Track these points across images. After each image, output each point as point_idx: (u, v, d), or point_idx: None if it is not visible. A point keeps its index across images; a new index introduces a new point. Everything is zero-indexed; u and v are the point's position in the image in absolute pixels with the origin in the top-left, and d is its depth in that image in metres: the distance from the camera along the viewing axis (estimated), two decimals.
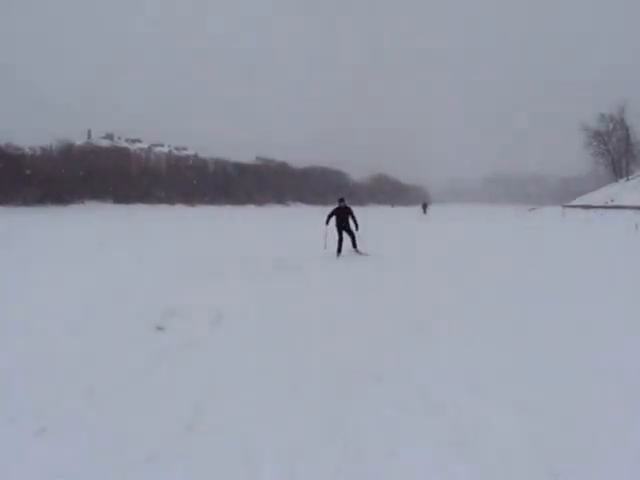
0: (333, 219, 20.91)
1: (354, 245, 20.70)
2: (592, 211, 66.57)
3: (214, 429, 5.43)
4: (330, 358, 7.70)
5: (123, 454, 4.93)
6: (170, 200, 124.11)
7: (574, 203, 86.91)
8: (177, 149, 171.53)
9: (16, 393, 6.44)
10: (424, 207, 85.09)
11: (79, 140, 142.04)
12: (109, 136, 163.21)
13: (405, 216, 75.20)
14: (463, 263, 18.61)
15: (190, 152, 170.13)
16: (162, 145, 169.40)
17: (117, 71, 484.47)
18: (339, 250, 20.20)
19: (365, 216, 35.18)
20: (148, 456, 4.89)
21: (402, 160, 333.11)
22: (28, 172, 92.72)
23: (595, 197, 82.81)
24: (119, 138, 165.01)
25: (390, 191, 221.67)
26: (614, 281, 14.71)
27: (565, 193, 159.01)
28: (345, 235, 20.77)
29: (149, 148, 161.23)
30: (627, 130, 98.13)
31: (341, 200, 21.18)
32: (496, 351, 7.86)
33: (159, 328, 9.46)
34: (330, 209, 21.27)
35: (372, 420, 5.61)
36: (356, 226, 20.53)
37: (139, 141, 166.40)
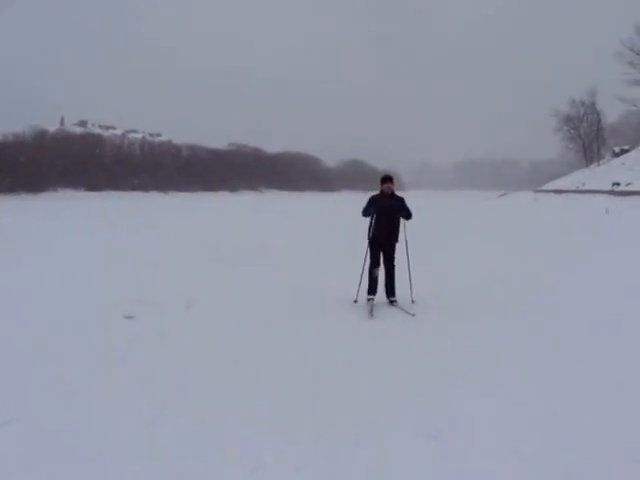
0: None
1: (390, 286, 10.81)
2: (564, 196, 68.02)
3: (181, 418, 5.47)
4: (296, 349, 7.81)
5: (92, 444, 4.93)
6: (144, 187, 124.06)
7: (545, 188, 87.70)
8: (151, 135, 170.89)
9: None
10: None
11: (52, 127, 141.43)
12: (82, 123, 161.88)
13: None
14: None
15: (164, 138, 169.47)
16: (136, 131, 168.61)
17: (90, 57, 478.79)
18: (372, 290, 10.59)
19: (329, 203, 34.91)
20: (117, 445, 4.92)
21: (375, 146, 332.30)
22: None
23: (566, 182, 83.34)
24: (92, 125, 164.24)
25: (364, 177, 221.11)
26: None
27: (536, 177, 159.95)
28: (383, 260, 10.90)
29: (123, 135, 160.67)
30: (598, 115, 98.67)
31: (387, 180, 10.74)
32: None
33: (128, 317, 9.49)
34: (365, 199, 11.06)
35: (341, 410, 5.76)
36: (408, 213, 10.69)
37: (113, 128, 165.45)
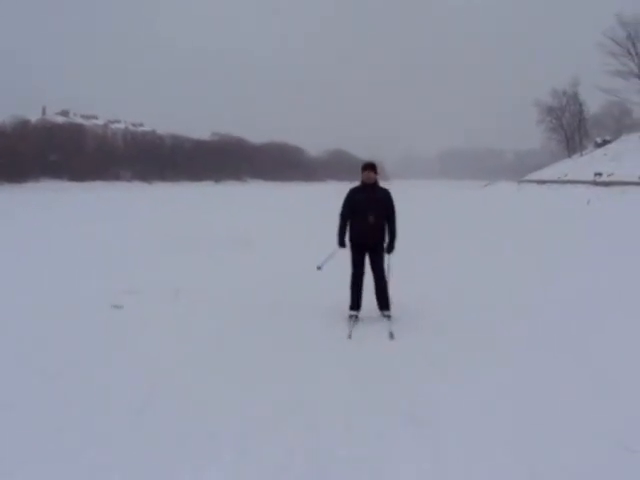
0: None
1: (383, 297, 9.03)
2: (546, 186, 68.48)
3: (168, 406, 5.51)
4: (280, 337, 7.93)
5: (78, 432, 4.95)
6: (128, 177, 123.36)
7: (529, 178, 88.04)
8: (134, 125, 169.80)
9: None
10: None
11: (34, 117, 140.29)
12: (64, 112, 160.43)
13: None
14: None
15: (147, 128, 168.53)
16: (119, 121, 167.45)
17: (71, 46, 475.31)
18: (356, 305, 8.99)
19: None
20: (104, 433, 4.94)
21: (358, 136, 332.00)
22: None
23: (549, 172, 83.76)
24: (75, 114, 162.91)
25: (348, 167, 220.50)
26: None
27: (519, 167, 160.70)
28: (369, 266, 9.11)
29: (105, 124, 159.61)
30: (580, 105, 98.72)
31: (368, 168, 8.97)
32: None
33: (116, 306, 9.53)
34: (337, 192, 11.07)
35: (326, 401, 5.83)
36: (393, 235, 8.96)
37: (95, 117, 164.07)
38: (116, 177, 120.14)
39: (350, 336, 8.03)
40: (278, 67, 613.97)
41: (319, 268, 9.10)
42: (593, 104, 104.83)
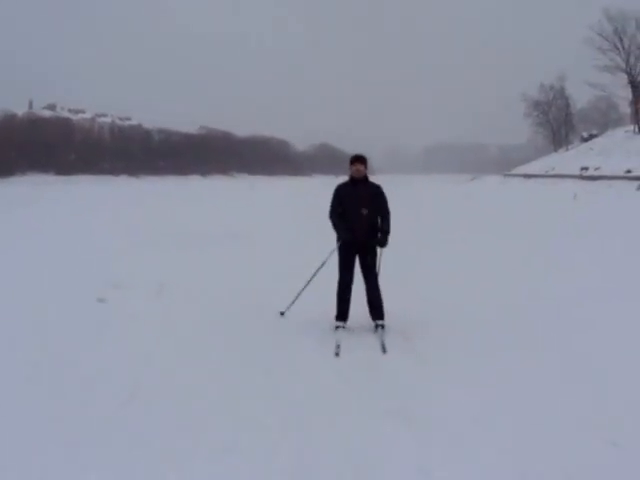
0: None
1: (376, 306, 7.99)
2: (532, 180, 68.62)
3: (153, 400, 5.49)
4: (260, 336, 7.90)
5: (65, 426, 4.93)
6: (114, 171, 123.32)
7: (515, 172, 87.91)
8: (121, 119, 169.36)
9: None
10: None
11: (20, 110, 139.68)
12: (51, 106, 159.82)
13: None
14: None
15: (134, 122, 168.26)
16: (106, 115, 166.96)
17: (58, 40, 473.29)
18: (343, 315, 8.02)
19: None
20: (90, 427, 4.90)
21: (344, 130, 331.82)
22: None
23: (535, 166, 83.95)
24: (62, 108, 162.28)
25: (334, 161, 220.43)
26: None
27: (505, 161, 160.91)
28: (359, 269, 8.20)
29: (92, 118, 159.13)
30: (567, 100, 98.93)
31: (357, 161, 8.09)
32: None
33: (100, 300, 9.48)
34: (324, 189, 9.72)
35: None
36: (386, 230, 8.01)
37: (82, 111, 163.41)
38: (103, 171, 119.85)
39: (338, 353, 7.02)
40: (265, 62, 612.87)
41: (282, 314, 8.44)
42: (580, 99, 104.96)
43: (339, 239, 8.03)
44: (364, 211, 7.84)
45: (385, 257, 8.17)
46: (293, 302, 8.41)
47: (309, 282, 8.40)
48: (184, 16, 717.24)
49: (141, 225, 22.30)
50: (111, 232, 19.99)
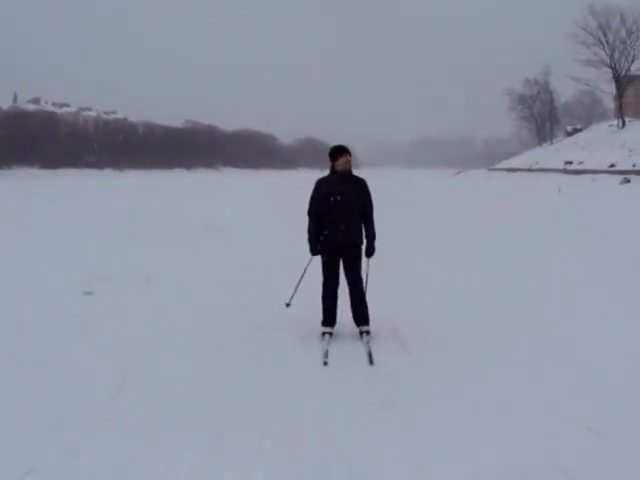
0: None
1: (361, 310, 7.35)
2: (517, 174, 68.86)
3: (143, 391, 5.50)
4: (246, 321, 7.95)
5: (56, 416, 4.93)
6: (99, 165, 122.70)
7: (500, 166, 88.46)
8: (106, 113, 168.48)
9: None
10: None
11: (4, 104, 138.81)
12: (35, 100, 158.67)
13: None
14: None
15: (119, 116, 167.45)
16: (90, 109, 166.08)
17: (42, 33, 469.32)
18: (330, 320, 7.39)
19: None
20: (81, 417, 4.92)
21: (330, 124, 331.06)
22: None
23: (520, 160, 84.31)
24: (46, 102, 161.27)
25: (320, 155, 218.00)
26: None
27: (490, 156, 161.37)
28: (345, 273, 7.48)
29: (77, 112, 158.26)
30: (551, 94, 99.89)
31: (345, 152, 7.26)
32: None
33: (87, 293, 9.46)
34: (308, 186, 7.74)
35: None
36: (373, 236, 7.44)
37: (67, 105, 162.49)
38: (88, 164, 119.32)
39: (326, 362, 6.48)
40: (249, 57, 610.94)
41: (288, 305, 7.66)
42: (564, 93, 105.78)
43: (311, 249, 7.35)
44: (350, 211, 7.18)
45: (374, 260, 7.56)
46: (294, 294, 7.72)
47: (299, 282, 7.72)
48: (171, 8, 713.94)
49: (128, 217, 22.18)
50: (98, 225, 19.88)
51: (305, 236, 7.39)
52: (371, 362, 6.41)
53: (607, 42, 72.35)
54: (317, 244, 7.22)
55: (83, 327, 7.65)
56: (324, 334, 7.26)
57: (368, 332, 7.18)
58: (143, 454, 4.34)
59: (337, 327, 7.40)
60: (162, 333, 7.40)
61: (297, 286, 7.73)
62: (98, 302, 9.02)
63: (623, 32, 71.62)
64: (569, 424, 4.79)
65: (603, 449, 4.39)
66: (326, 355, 6.63)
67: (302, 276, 7.67)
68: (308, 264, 7.53)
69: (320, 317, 7.42)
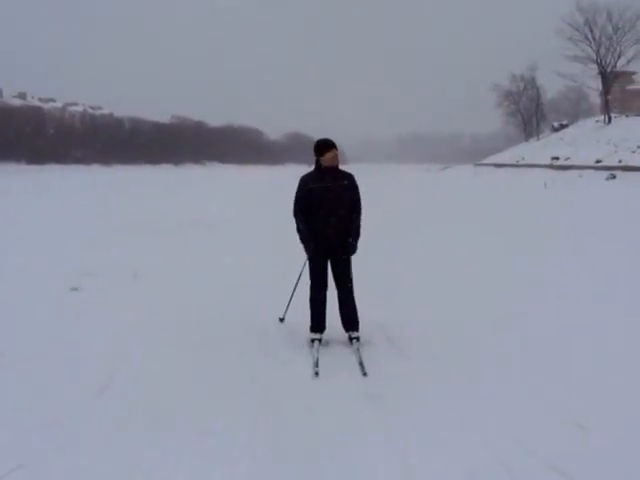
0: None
1: (350, 315, 7.00)
2: (503, 170, 69.07)
3: (130, 387, 5.51)
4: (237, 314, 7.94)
5: (44, 412, 4.92)
6: (86, 160, 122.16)
7: (486, 162, 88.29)
8: (92, 108, 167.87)
9: None
10: None
11: None
12: (21, 95, 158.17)
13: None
14: None
15: (105, 111, 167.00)
16: (77, 104, 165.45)
17: (27, 27, 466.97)
18: (319, 325, 7.00)
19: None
20: (69, 414, 4.90)
21: (317, 119, 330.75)
22: None
23: (506, 156, 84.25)
24: (32, 97, 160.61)
25: (307, 150, 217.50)
26: None
27: (477, 151, 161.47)
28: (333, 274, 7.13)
29: (63, 107, 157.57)
30: (538, 90, 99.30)
31: (333, 147, 6.84)
32: None
33: (73, 289, 9.45)
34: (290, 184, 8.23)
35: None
36: (357, 233, 7.03)
37: (53, 100, 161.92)
38: (75, 160, 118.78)
39: (317, 373, 6.06)
40: (237, 54, 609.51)
41: (282, 320, 7.60)
42: (551, 89, 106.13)
43: (307, 249, 6.97)
44: (338, 208, 6.80)
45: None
46: (287, 307, 7.57)
47: (295, 289, 7.53)
48: (165, 9, 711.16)
49: (114, 213, 22.20)
50: (84, 220, 19.87)
51: (296, 237, 7.05)
52: (364, 373, 5.99)
53: (593, 38, 72.45)
54: (312, 242, 6.80)
55: (69, 323, 7.63)
56: (313, 341, 6.90)
57: (358, 338, 6.84)
58: (129, 450, 4.34)
59: (326, 332, 7.04)
60: (149, 329, 7.38)
61: (290, 300, 7.53)
62: (84, 298, 9.00)
63: (609, 28, 71.73)
64: (561, 422, 4.80)
65: (595, 446, 4.39)
66: (316, 364, 6.22)
67: (295, 287, 7.52)
68: (303, 268, 7.30)
69: (308, 322, 7.05)
